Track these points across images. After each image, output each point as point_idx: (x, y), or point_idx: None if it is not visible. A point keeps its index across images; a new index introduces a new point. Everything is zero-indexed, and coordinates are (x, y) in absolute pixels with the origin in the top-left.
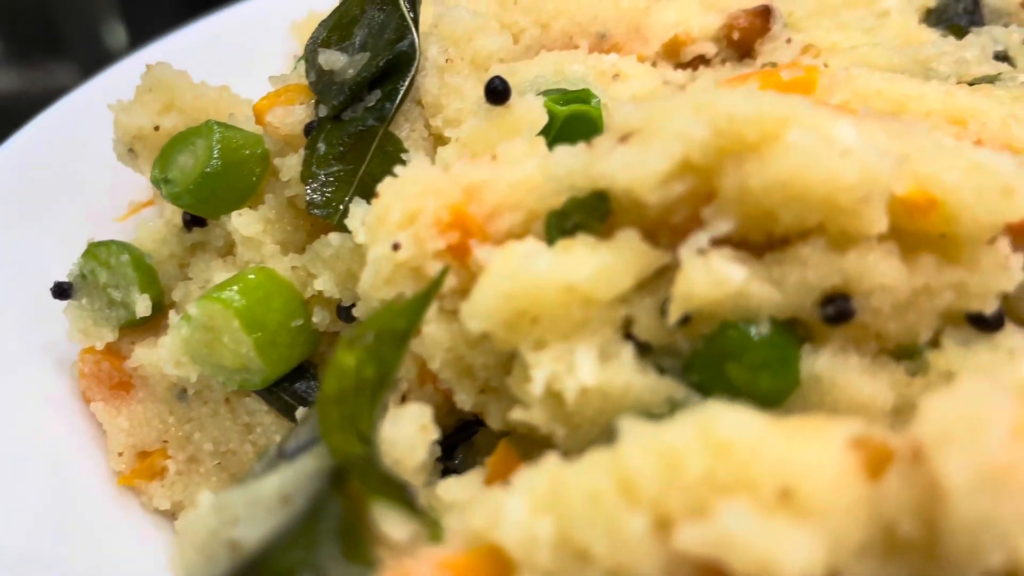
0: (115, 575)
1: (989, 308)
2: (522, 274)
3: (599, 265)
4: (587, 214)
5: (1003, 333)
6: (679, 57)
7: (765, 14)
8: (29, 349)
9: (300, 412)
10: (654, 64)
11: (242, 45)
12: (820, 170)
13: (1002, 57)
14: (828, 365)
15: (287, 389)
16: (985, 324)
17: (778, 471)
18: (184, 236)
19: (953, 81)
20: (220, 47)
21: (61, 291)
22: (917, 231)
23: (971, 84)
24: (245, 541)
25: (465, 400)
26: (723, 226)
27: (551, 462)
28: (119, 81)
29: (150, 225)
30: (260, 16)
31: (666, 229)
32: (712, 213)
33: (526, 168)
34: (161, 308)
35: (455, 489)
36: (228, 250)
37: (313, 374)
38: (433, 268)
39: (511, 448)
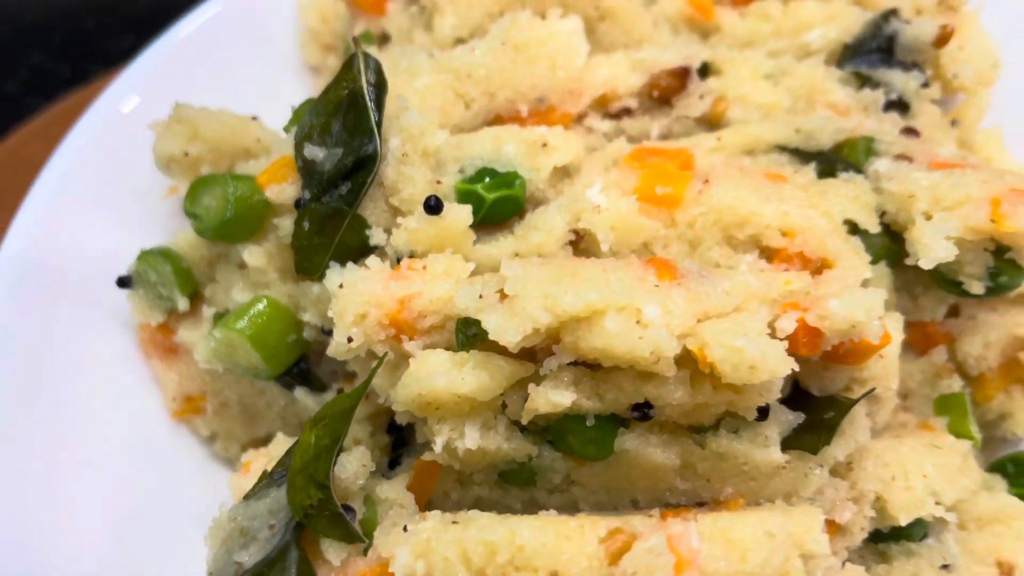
0: (172, 479)
1: (750, 417)
2: (427, 383)
3: (479, 381)
4: (481, 327)
5: (767, 423)
6: (607, 109)
7: (683, 75)
8: (101, 311)
9: (298, 390)
10: (585, 115)
11: (252, 27)
12: (624, 346)
13: (895, 104)
14: (634, 443)
15: (288, 373)
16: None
17: (551, 561)
18: (211, 245)
19: (832, 144)
20: (231, 30)
21: (123, 282)
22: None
23: (838, 160)
24: (245, 564)
25: (401, 417)
26: (565, 358)
27: (431, 522)
28: (150, 71)
29: (186, 233)
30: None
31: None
32: (559, 350)
33: (443, 287)
34: (197, 296)
35: (385, 489)
36: (243, 265)
37: (306, 363)
38: (378, 348)
39: (431, 462)
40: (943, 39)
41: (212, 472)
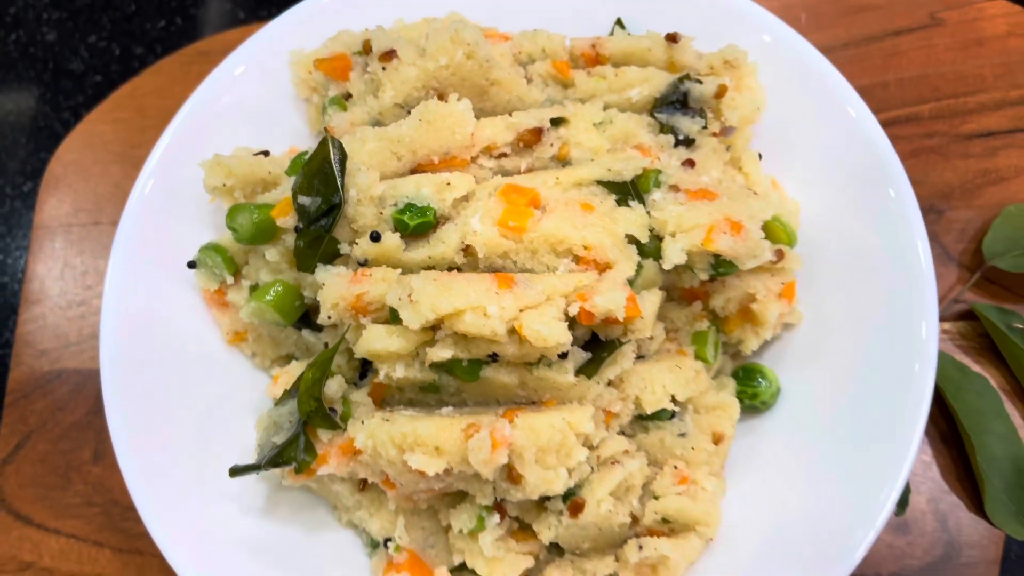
0: (229, 382)
1: (555, 358)
2: (373, 344)
3: (400, 344)
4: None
5: (566, 360)
6: (491, 153)
7: (539, 131)
8: (180, 279)
9: (304, 331)
10: (476, 158)
11: (263, 73)
12: (476, 329)
13: (683, 142)
14: (491, 373)
15: (297, 322)
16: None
17: (434, 441)
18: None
19: (632, 177)
20: (252, 75)
21: (191, 265)
22: None
23: (631, 191)
24: (277, 443)
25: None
26: (448, 332)
27: (376, 419)
28: (197, 105)
29: (229, 235)
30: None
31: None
32: (443, 327)
33: (381, 288)
34: (238, 273)
35: (356, 395)
36: (266, 257)
37: (307, 316)
38: (346, 321)
39: (380, 383)
40: (720, 93)
41: (254, 377)
